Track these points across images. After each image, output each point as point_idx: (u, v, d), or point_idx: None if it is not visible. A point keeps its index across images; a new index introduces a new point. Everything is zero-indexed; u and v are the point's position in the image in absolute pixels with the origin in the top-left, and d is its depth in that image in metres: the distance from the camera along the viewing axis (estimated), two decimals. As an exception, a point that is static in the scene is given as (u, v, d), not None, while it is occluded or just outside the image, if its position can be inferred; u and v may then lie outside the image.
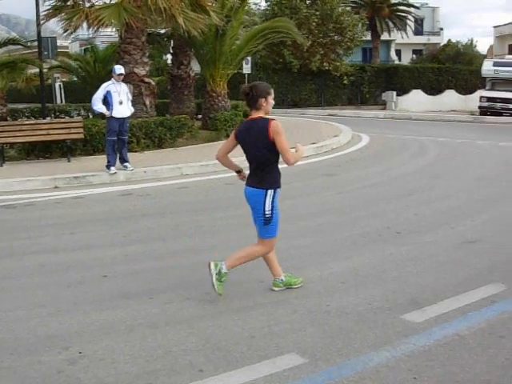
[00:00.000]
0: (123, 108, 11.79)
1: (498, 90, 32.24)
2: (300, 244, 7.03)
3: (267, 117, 5.13)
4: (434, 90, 40.44)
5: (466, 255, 6.55)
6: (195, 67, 22.95)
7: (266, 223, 5.16)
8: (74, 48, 54.89)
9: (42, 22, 17.51)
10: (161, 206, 9.59)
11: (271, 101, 5.17)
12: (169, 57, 29.79)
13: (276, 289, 5.44)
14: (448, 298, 5.22)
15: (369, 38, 45.05)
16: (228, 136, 17.75)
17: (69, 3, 16.25)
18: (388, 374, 3.91)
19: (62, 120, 16.26)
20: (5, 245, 7.34)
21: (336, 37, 37.48)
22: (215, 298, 5.26)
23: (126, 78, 13.95)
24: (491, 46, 61.08)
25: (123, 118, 11.84)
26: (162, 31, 23.59)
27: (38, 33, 19.99)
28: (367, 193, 10.36)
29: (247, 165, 5.24)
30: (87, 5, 16.40)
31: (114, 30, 18.09)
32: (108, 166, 11.83)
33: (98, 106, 11.74)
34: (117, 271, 6.17)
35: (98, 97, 11.69)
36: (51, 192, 10.81)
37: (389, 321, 4.75)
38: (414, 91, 39.12)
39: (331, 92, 39.66)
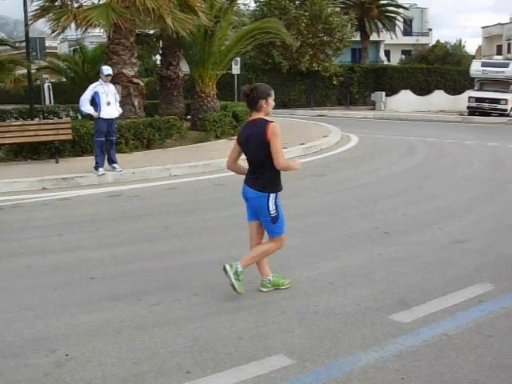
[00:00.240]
0: (111, 109, 11.75)
1: (487, 91, 32.40)
2: (288, 244, 6.97)
3: (267, 118, 5.20)
4: (422, 90, 40.59)
5: (453, 255, 6.57)
6: (184, 68, 22.93)
7: (273, 222, 5.26)
8: (63, 49, 54.78)
9: (29, 22, 17.42)
10: (149, 207, 9.56)
11: (271, 102, 5.27)
12: (158, 57, 29.69)
13: (264, 289, 5.44)
14: (436, 298, 5.23)
15: (358, 38, 45.17)
16: (217, 137, 17.90)
17: (57, 3, 16.20)
18: (376, 374, 3.91)
19: (50, 121, 16.15)
20: (-8, 247, 7.29)
21: (325, 37, 37.53)
22: (203, 300, 5.26)
23: (115, 79, 13.91)
24: (480, 47, 61.52)
25: (111, 119, 11.80)
26: (151, 32, 23.55)
27: (26, 33, 19.87)
28: (356, 193, 10.37)
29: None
30: (75, 5, 16.34)
31: (102, 30, 18.03)
32: (96, 167, 11.78)
33: (85, 107, 11.69)
34: (105, 273, 6.14)
35: (85, 98, 11.64)
36: (39, 193, 10.75)
37: (377, 321, 4.75)
38: (403, 92, 39.24)
39: (320, 92, 39.71)
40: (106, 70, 11.92)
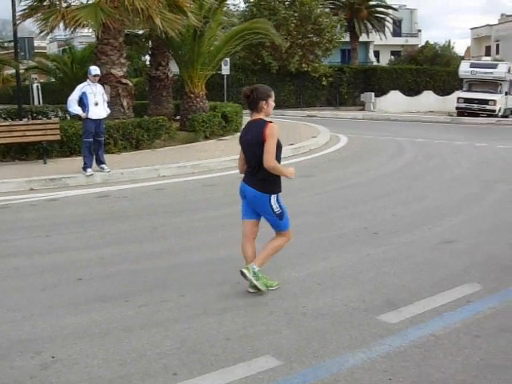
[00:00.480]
0: (99, 109, 11.71)
1: (475, 91, 32.59)
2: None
3: (266, 119, 5.25)
4: (412, 91, 40.74)
5: (442, 255, 6.58)
6: (173, 68, 22.86)
7: (279, 219, 5.37)
8: (53, 49, 54.49)
9: (18, 22, 17.30)
10: (138, 208, 9.52)
11: (272, 103, 5.34)
12: (147, 58, 29.62)
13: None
14: (424, 299, 5.24)
15: (347, 39, 45.17)
16: (206, 137, 17.87)
17: (45, 3, 16.07)
18: (363, 375, 3.90)
19: (39, 121, 16.04)
20: (-22, 248, 7.24)
21: (315, 38, 37.55)
22: (191, 301, 5.24)
23: (104, 79, 13.85)
24: (468, 48, 61.89)
25: (99, 120, 11.75)
26: (140, 32, 23.46)
27: (15, 33, 19.75)
28: (345, 193, 10.38)
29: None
30: (64, 5, 16.23)
31: (91, 30, 17.94)
32: (84, 168, 11.73)
33: (73, 107, 11.63)
34: (92, 274, 6.10)
35: (73, 98, 11.59)
36: (27, 194, 10.68)
37: (365, 322, 4.75)
38: (393, 92, 39.38)
39: (310, 93, 39.72)
40: (94, 70, 11.87)
